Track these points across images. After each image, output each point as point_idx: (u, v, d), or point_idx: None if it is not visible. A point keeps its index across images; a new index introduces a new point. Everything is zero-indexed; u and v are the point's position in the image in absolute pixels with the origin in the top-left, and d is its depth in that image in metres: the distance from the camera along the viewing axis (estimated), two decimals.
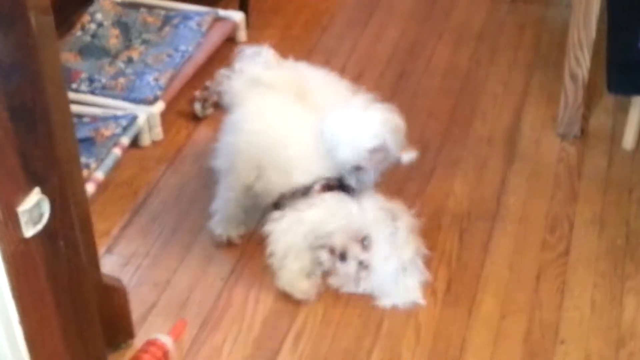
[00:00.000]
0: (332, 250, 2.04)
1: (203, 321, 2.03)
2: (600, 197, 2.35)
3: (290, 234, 2.03)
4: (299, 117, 2.17)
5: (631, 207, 2.31)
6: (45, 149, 1.31)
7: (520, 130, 2.60)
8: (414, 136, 2.23)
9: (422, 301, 2.04)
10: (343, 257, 2.03)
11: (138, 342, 1.98)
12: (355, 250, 2.03)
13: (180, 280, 2.13)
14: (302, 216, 2.04)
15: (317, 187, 2.08)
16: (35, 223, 1.30)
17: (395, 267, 2.01)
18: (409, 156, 2.13)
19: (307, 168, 2.10)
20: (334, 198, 2.06)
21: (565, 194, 2.36)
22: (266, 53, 2.34)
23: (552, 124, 2.60)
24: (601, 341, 1.95)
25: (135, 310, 2.01)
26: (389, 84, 2.82)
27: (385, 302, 2.03)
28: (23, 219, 1.27)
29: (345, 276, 2.05)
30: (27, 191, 1.28)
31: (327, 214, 2.04)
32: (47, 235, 1.33)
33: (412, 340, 1.97)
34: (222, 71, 2.40)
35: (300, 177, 2.09)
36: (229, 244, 2.21)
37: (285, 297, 2.07)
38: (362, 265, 2.03)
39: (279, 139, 2.13)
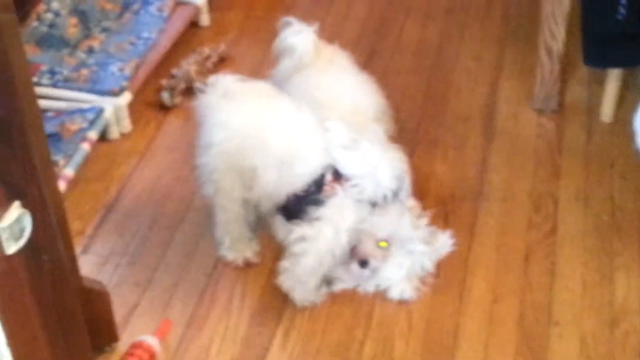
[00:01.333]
0: (353, 254, 1.94)
1: (189, 320, 1.96)
2: (583, 172, 2.32)
3: (314, 254, 1.89)
4: (279, 106, 2.01)
5: (614, 182, 2.28)
6: (23, 161, 1.23)
7: (497, 106, 2.56)
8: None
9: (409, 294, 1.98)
10: (364, 264, 1.94)
11: (122, 345, 1.91)
12: (376, 258, 1.94)
13: (162, 279, 2.06)
14: (323, 232, 1.89)
15: (328, 176, 1.92)
16: (17, 239, 1.22)
17: (401, 275, 1.97)
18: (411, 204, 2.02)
19: (310, 156, 1.93)
20: (350, 201, 1.91)
21: (547, 171, 2.33)
22: (307, 34, 2.18)
23: (528, 99, 2.56)
24: (595, 321, 1.93)
25: (117, 311, 1.93)
26: (360, 63, 2.69)
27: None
28: (4, 236, 1.19)
29: (350, 275, 1.98)
30: (6, 206, 1.20)
31: (347, 225, 1.89)
32: (30, 250, 1.26)
33: (404, 329, 1.93)
34: (198, 86, 2.19)
35: (305, 168, 1.93)
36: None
37: (272, 291, 2.01)
38: (372, 268, 1.96)
39: (259, 134, 1.96)
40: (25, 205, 1.23)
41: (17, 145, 1.24)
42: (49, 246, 1.33)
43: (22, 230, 1.23)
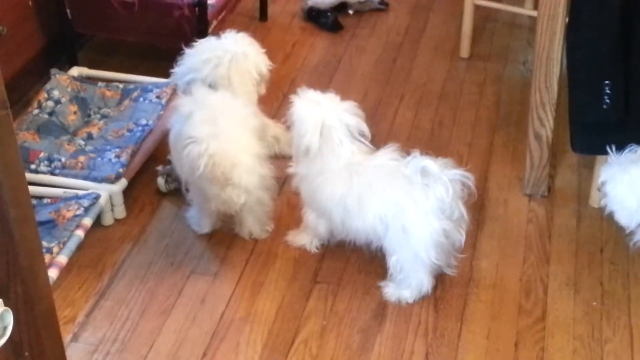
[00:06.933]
0: None
1: None
2: (572, 258, 2.34)
3: None
4: None
5: (603, 267, 2.30)
6: (8, 260, 1.25)
7: (488, 192, 2.59)
8: None
9: None
10: None
11: None
12: None
13: None
14: None
15: None
16: None
17: None
18: None
19: None
20: None
21: (537, 256, 2.35)
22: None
23: (519, 184, 2.59)
24: None
25: None
26: None
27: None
28: None
29: None
30: None
31: None
32: (12, 347, 1.27)
33: None
34: None
35: None
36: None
37: None
38: None
39: None
40: (7, 303, 1.25)
41: (2, 244, 1.26)
42: (32, 343, 1.34)
43: (4, 329, 1.25)
